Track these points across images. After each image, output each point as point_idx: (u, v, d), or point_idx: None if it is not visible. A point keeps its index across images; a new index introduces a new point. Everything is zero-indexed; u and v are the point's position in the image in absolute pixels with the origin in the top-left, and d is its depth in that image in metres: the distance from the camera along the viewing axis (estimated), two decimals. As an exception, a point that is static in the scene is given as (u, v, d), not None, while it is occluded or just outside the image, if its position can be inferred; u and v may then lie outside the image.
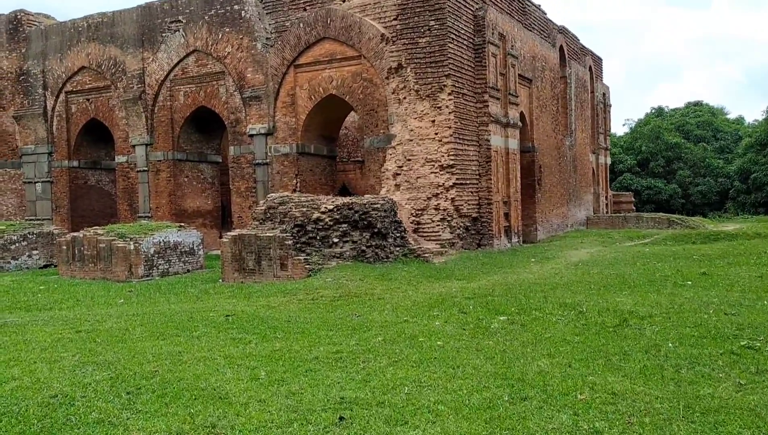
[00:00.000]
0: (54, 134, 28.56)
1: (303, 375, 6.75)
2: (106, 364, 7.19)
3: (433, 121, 20.14)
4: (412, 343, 8.28)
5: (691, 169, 55.92)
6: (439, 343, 8.29)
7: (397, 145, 20.68)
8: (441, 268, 15.96)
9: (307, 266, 14.70)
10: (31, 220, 28.69)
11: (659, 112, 71.16)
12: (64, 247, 18.13)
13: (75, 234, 18.16)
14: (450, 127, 19.92)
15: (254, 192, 24.32)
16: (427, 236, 19.75)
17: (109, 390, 6.25)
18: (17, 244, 20.30)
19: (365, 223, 16.03)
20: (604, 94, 36.55)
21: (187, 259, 18.67)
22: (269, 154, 24.05)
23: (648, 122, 61.80)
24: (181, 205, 26.48)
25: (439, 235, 19.85)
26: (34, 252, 20.78)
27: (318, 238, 15.34)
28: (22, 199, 29.35)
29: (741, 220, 40.84)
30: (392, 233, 16.96)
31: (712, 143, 60.64)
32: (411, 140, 20.45)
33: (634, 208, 40.03)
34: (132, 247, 17.18)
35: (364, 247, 15.99)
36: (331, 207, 15.44)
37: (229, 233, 15.99)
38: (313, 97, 23.26)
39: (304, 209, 15.29)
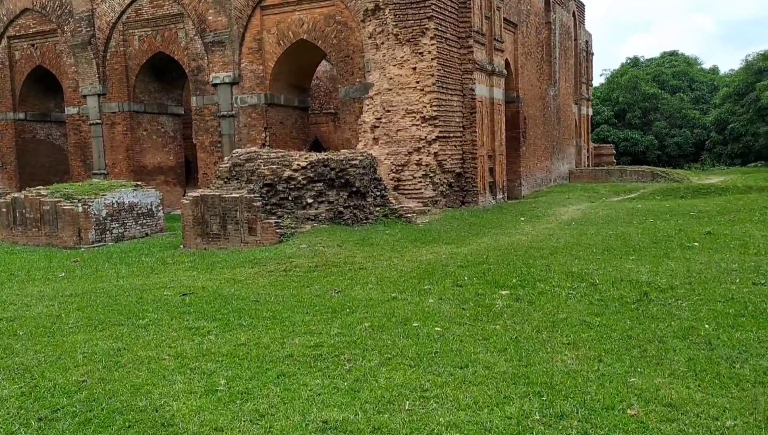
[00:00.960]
0: (-3, 84, 26.11)
1: (273, 383, 5.31)
2: (21, 371, 5.66)
3: (414, 69, 18.43)
4: (405, 330, 6.89)
5: (668, 120, 55.03)
6: (437, 329, 6.91)
7: (375, 94, 18.97)
8: (426, 230, 14.55)
9: (279, 231, 13.16)
10: (-24, 177, 26.48)
11: (635, 62, 69.81)
12: (3, 210, 16.26)
13: (16, 195, 16.27)
14: (432, 75, 18.25)
15: (220, 147, 22.48)
16: (409, 194, 18.28)
17: (16, 413, 4.74)
18: (-46, 206, 18.29)
19: (342, 181, 14.47)
20: (587, 42, 34.97)
21: (145, 221, 16.95)
22: (235, 105, 22.14)
23: (625, 72, 60.46)
24: (141, 161, 24.53)
25: (422, 193, 18.39)
26: (-25, 214, 18.78)
27: (290, 198, 13.76)
28: (-35, 156, 27.00)
29: (721, 172, 40.19)
30: (372, 192, 15.44)
31: (687, 93, 59.66)
32: (390, 89, 18.75)
33: (615, 160, 39.00)
34: (80, 209, 15.40)
35: (341, 208, 14.47)
36: (305, 164, 13.83)
37: (190, 194, 14.31)
38: (282, 42, 21.29)
39: (274, 166, 13.65)
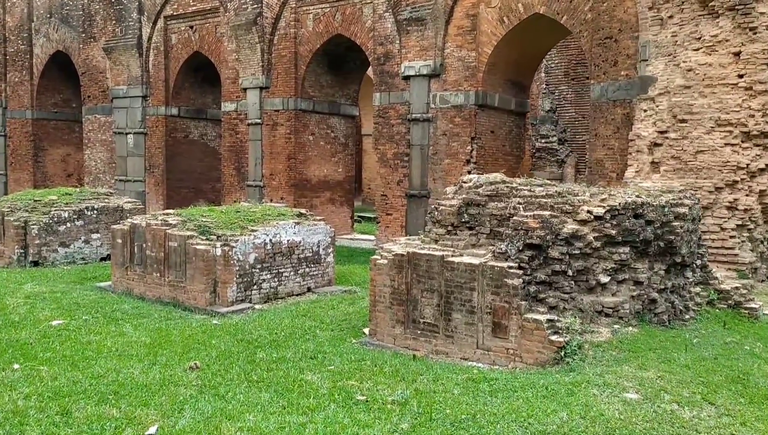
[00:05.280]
0: (150, 72, 22.35)
1: None
2: None
3: (737, 54, 11.46)
4: None
5: None
6: None
7: (659, 95, 12.22)
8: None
9: (556, 338, 6.90)
10: (121, 180, 22.94)
11: None
12: (119, 241, 11.45)
13: (135, 221, 11.39)
14: (770, 65, 11.20)
15: (407, 161, 16.77)
16: (713, 255, 11.33)
17: None
18: (69, 224, 14.00)
19: (661, 245, 7.95)
20: None
21: (308, 269, 11.47)
22: (432, 105, 16.33)
23: None
24: (304, 172, 19.47)
25: (735, 255, 11.38)
26: (94, 236, 14.44)
27: (569, 273, 7.46)
28: (112, 154, 23.61)
29: None
30: (693, 262, 8.80)
31: None
32: (687, 87, 11.90)
33: None
34: (219, 251, 10.15)
35: (654, 293, 7.95)
36: (601, 211, 7.47)
37: (389, 247, 8.43)
38: (506, 19, 15.16)
39: (547, 214, 7.41)
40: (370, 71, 21.00)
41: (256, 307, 10.34)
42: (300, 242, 11.32)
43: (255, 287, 10.57)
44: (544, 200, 7.73)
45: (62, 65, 25.62)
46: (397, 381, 6.62)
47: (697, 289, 9.00)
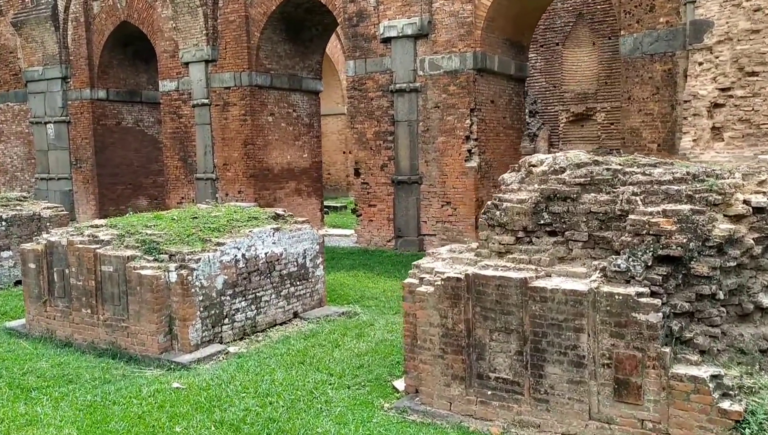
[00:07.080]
0: (69, 49, 18.81)
1: None
2: None
3: (822, -12, 9.17)
4: None
5: None
6: None
7: (718, 43, 9.83)
8: None
9: (728, 404, 4.37)
10: (43, 178, 19.44)
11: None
12: (32, 266, 8.36)
13: (53, 238, 8.30)
14: None
15: (391, 141, 14.04)
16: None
17: None
18: (-32, 242, 10.74)
19: (835, 244, 5.50)
20: None
21: (293, 289, 8.68)
22: (420, 72, 13.61)
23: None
24: (264, 160, 16.47)
25: (829, 240, 9.13)
26: (4, 254, 11.19)
27: (721, 295, 4.93)
28: (31, 148, 20.01)
29: None
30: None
31: None
32: (755, 32, 9.55)
33: None
34: (173, 276, 7.24)
35: (824, 315, 5.50)
36: (764, 200, 4.96)
37: (432, 266, 5.73)
38: (508, -39, 12.53)
39: (687, 207, 4.86)
40: (332, 41, 18.15)
41: (230, 349, 7.50)
42: (281, 254, 8.49)
43: (226, 321, 7.72)
44: (675, 188, 5.13)
45: (-36, 46, 21.71)
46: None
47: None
